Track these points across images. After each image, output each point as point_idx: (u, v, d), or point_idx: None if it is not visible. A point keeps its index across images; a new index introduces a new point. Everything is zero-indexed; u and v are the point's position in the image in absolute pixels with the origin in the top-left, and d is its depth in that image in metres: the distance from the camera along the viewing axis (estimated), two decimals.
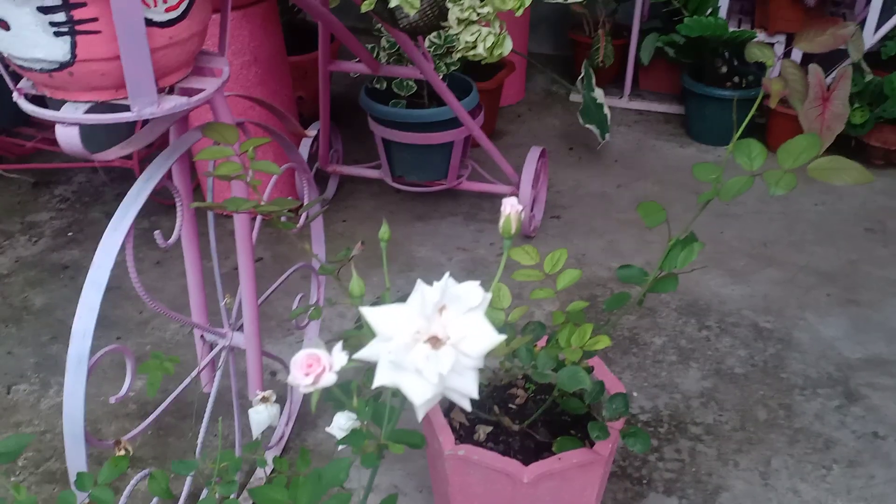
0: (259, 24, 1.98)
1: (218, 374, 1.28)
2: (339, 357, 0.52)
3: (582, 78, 2.44)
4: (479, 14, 1.01)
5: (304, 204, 1.44)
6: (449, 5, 1.01)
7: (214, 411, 1.46)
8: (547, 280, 1.04)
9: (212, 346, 1.29)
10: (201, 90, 0.93)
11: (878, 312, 1.86)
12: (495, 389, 1.20)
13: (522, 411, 1.22)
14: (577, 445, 1.08)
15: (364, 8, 0.98)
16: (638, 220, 2.26)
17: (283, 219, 0.99)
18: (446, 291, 0.48)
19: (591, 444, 1.09)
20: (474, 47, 1.03)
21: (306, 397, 1.56)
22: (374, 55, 1.98)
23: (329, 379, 0.52)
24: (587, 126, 2.43)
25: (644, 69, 2.91)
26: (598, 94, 2.49)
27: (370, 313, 0.48)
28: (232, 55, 1.96)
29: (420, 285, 0.48)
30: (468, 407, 0.48)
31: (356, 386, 0.61)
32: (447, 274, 0.49)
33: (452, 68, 2.07)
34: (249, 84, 2.01)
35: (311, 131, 2.06)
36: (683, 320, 1.84)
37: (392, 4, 0.96)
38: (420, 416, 0.48)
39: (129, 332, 1.80)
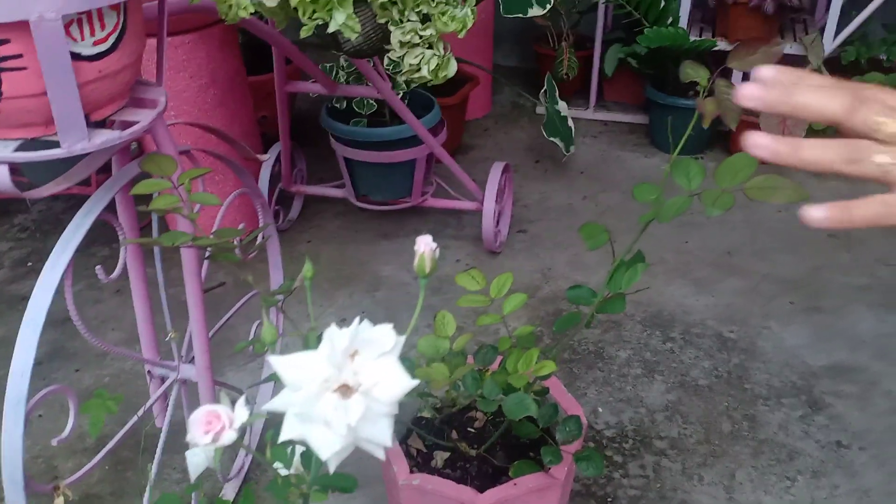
0: (216, 46, 1.97)
1: (170, 407, 1.26)
2: (240, 412, 0.51)
3: (545, 91, 2.44)
4: (421, 37, 1.00)
5: (260, 228, 1.43)
6: (391, 28, 1.01)
7: (176, 443, 1.43)
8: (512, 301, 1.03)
9: (163, 380, 1.26)
10: (136, 122, 0.91)
11: (840, 319, 1.87)
12: (453, 415, 1.19)
13: (481, 435, 1.21)
14: (534, 469, 1.07)
15: (303, 34, 0.97)
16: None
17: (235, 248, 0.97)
18: (357, 336, 0.47)
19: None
20: (418, 70, 1.03)
21: (269, 422, 1.53)
22: (333, 75, 1.97)
23: (229, 437, 0.50)
24: (551, 139, 2.43)
25: (608, 80, 2.92)
26: (562, 106, 2.50)
27: (277, 362, 0.46)
28: (189, 77, 1.94)
29: (330, 331, 0.46)
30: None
31: (271, 436, 0.59)
32: (358, 318, 0.48)
33: (413, 85, 2.07)
34: (208, 106, 2.00)
35: (266, 156, 2.04)
36: (648, 332, 1.84)
37: (331, 30, 0.95)
38: (331, 468, 0.46)
39: (88, 363, 1.77)
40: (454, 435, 1.20)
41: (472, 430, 1.22)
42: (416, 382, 0.46)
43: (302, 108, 2.96)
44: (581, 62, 2.89)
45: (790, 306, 1.92)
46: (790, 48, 2.59)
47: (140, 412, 1.19)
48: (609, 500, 1.43)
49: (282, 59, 1.88)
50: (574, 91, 3.06)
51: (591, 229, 0.86)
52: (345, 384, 0.46)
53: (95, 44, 0.83)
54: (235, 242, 1.17)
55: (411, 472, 1.12)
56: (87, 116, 0.87)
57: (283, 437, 0.45)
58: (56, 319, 1.92)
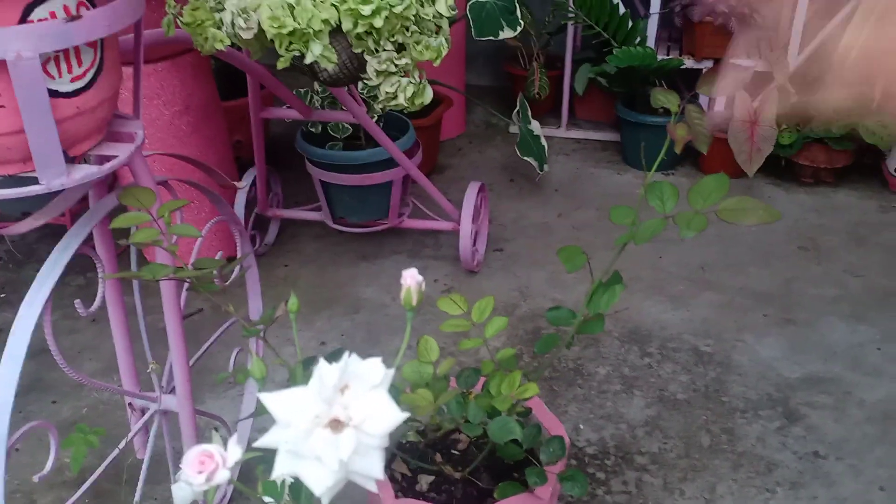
0: (189, 73, 1.97)
1: (151, 438, 1.25)
2: (233, 451, 0.51)
3: (517, 111, 2.47)
4: (396, 66, 1.01)
5: (238, 257, 1.43)
6: (367, 58, 1.02)
7: (158, 474, 1.42)
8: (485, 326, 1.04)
9: (143, 411, 1.26)
10: (115, 157, 0.91)
11: (813, 331, 1.91)
12: (437, 438, 1.19)
13: (466, 457, 1.21)
14: (519, 490, 1.08)
15: (280, 65, 0.98)
16: None
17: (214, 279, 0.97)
18: (346, 370, 0.48)
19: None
20: (395, 97, 1.04)
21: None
22: (308, 99, 1.98)
23: (223, 476, 0.51)
24: (525, 158, 2.46)
25: (579, 99, 2.96)
26: (535, 126, 2.52)
27: (267, 399, 0.47)
28: (163, 105, 1.94)
29: (319, 367, 0.47)
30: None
31: (261, 470, 0.60)
32: (346, 353, 0.49)
33: (394, 109, 2.08)
34: (182, 134, 1.99)
35: (242, 183, 2.04)
36: (626, 348, 1.86)
37: (308, 61, 0.96)
38: (325, 503, 0.47)
39: (65, 395, 1.75)
40: (438, 458, 1.20)
41: (457, 453, 1.23)
42: (405, 415, 0.47)
43: (276, 132, 2.97)
44: (552, 82, 2.93)
45: (764, 319, 1.95)
46: (756, 65, 2.65)
47: (121, 445, 1.18)
48: None
49: (256, 86, 1.88)
50: (546, 110, 3.09)
51: (570, 252, 0.88)
52: (335, 419, 0.47)
53: (73, 80, 0.83)
54: (214, 271, 1.17)
55: (396, 497, 1.12)
56: (65, 152, 0.87)
57: (275, 474, 0.45)
58: (33, 350, 1.90)
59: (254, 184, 2.16)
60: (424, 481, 1.17)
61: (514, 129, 3.04)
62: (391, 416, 0.47)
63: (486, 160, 2.85)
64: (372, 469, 0.47)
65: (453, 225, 2.11)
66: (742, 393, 1.71)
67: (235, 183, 1.36)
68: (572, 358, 1.83)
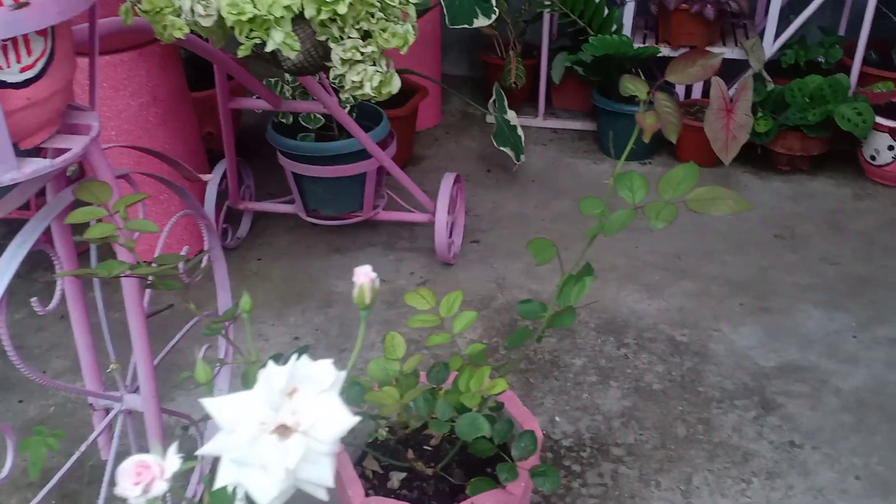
0: (157, 63, 1.93)
1: (115, 438, 1.22)
2: (171, 461, 0.49)
3: (493, 101, 2.45)
4: (363, 53, 0.99)
5: (203, 251, 1.40)
6: (332, 45, 0.99)
7: None
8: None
9: (108, 411, 1.23)
10: (69, 150, 0.88)
11: (789, 318, 1.90)
12: (408, 434, 1.17)
13: (438, 452, 1.19)
14: (491, 486, 1.06)
15: (241, 53, 0.95)
16: (555, 240, 2.27)
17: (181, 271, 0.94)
18: (296, 374, 0.46)
19: None
20: (361, 87, 1.01)
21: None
22: (279, 89, 1.95)
23: (160, 487, 0.48)
24: (502, 149, 2.44)
25: (556, 88, 2.94)
26: (511, 115, 2.50)
27: (211, 405, 0.45)
28: (129, 96, 1.90)
29: (267, 371, 0.45)
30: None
31: (207, 480, 0.57)
32: (295, 355, 0.46)
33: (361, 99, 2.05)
34: (150, 125, 1.95)
35: (208, 176, 2.00)
36: (602, 339, 1.85)
37: (269, 49, 0.93)
38: None
39: (32, 393, 1.71)
40: (410, 454, 1.18)
41: (429, 449, 1.21)
42: (356, 419, 0.45)
43: (248, 123, 2.92)
44: (529, 70, 2.91)
45: (740, 307, 1.95)
46: (731, 53, 2.64)
47: (82, 447, 1.15)
48: None
49: (224, 76, 1.84)
50: (524, 99, 3.07)
51: (539, 245, 0.86)
52: (283, 425, 0.44)
53: (22, 70, 0.80)
54: (180, 266, 1.14)
55: (367, 495, 1.10)
56: (16, 145, 0.84)
57: (218, 484, 0.43)
58: None
59: (225, 176, 2.13)
60: (396, 478, 1.15)
61: (491, 118, 3.01)
62: (342, 420, 0.45)
63: (463, 150, 2.82)
64: (322, 477, 0.45)
65: (429, 217, 2.08)
66: (718, 383, 1.71)
67: (201, 176, 1.33)
68: (549, 350, 1.82)
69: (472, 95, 3.27)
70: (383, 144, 2.04)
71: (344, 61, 0.98)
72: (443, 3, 2.07)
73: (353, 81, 1.00)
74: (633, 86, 0.79)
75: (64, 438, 1.61)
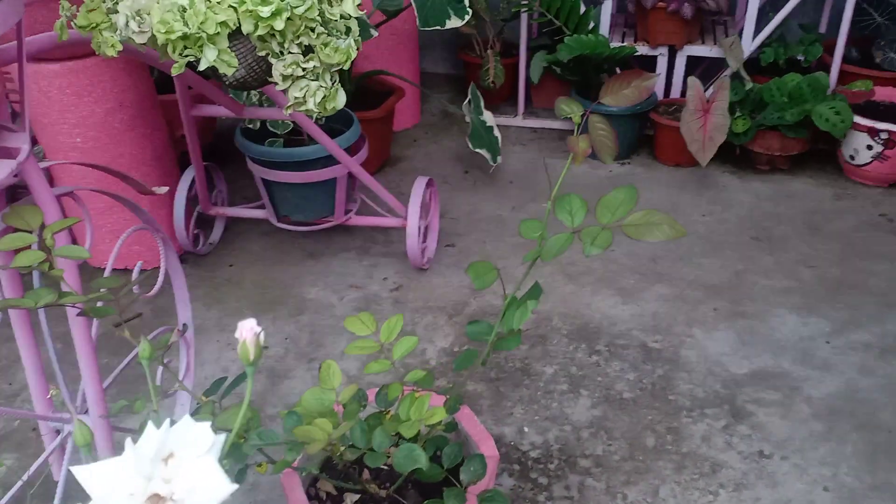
0: (122, 69, 1.90)
1: (66, 458, 1.20)
2: None
3: (469, 101, 2.42)
4: (304, 69, 0.96)
5: (160, 265, 1.37)
6: (272, 61, 0.96)
7: (78, 493, 1.37)
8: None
9: (58, 431, 1.20)
10: None
11: (763, 324, 1.88)
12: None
13: (394, 472, 1.17)
14: None
15: (175, 71, 0.92)
16: (530, 245, 2.25)
17: (100, 303, 0.92)
18: (171, 438, 0.43)
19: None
20: (304, 102, 0.99)
21: None
22: (245, 95, 1.92)
23: None
24: (477, 150, 2.41)
25: (536, 87, 2.92)
26: (488, 116, 2.48)
27: (80, 473, 0.42)
28: (94, 102, 1.87)
29: (133, 443, 0.43)
30: None
31: None
32: (167, 421, 0.44)
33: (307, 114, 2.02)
34: (116, 131, 1.92)
35: (163, 189, 1.98)
36: (574, 346, 1.83)
37: (202, 67, 0.90)
38: None
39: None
40: (366, 475, 1.16)
41: (385, 468, 1.19)
42: (234, 487, 0.43)
43: (225, 125, 2.89)
44: (508, 69, 2.88)
45: (714, 313, 1.93)
46: (710, 51, 2.61)
47: (31, 469, 1.13)
48: None
49: (183, 84, 1.82)
50: (504, 98, 3.04)
51: (479, 268, 0.84)
52: (155, 494, 0.42)
53: None
54: (134, 279, 1.12)
55: None
56: None
57: None
58: None
59: (195, 182, 2.10)
60: (350, 500, 1.13)
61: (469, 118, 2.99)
62: (219, 488, 0.43)
63: (442, 151, 2.80)
64: None
65: (401, 221, 2.06)
66: (689, 391, 1.69)
67: (155, 189, 1.30)
68: (520, 357, 1.80)
69: (454, 94, 3.24)
70: (355, 148, 2.02)
71: (285, 77, 0.96)
72: (413, 5, 2.04)
73: (296, 97, 0.98)
74: (567, 107, 0.76)
75: (29, 452, 1.59)
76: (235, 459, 0.82)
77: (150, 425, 0.44)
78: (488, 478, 1.03)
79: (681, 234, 0.71)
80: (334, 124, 2.07)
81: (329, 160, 1.95)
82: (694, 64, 2.71)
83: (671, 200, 2.41)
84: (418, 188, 2.04)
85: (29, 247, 0.85)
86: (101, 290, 0.89)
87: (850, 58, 2.69)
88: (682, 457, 1.53)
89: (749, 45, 2.60)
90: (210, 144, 2.72)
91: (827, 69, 2.55)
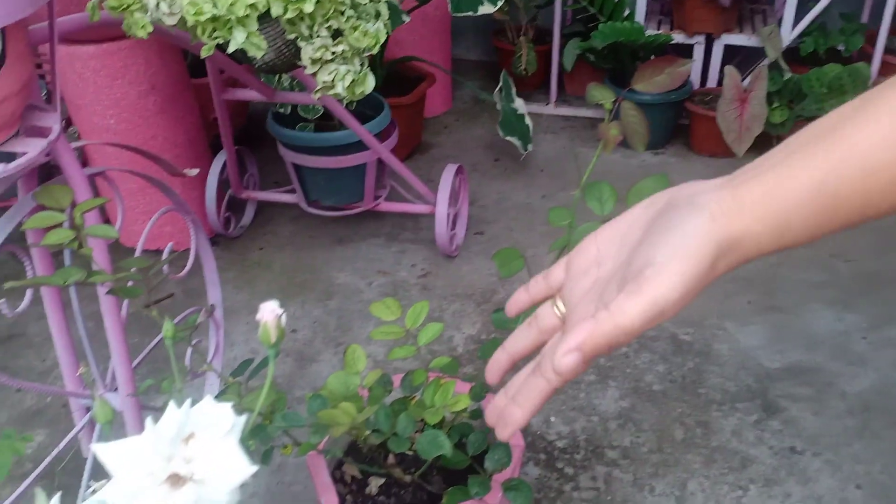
0: (155, 51, 1.91)
1: (96, 435, 1.21)
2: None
3: (500, 88, 2.40)
4: (333, 53, 0.95)
5: (193, 247, 1.38)
6: (301, 44, 0.96)
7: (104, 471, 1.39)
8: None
9: (88, 409, 1.22)
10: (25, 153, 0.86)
11: (797, 318, 1.85)
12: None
13: (419, 457, 1.17)
14: (468, 496, 1.04)
15: (204, 53, 0.92)
16: (559, 233, 2.22)
17: (130, 283, 0.93)
18: (193, 417, 0.43)
19: None
20: (332, 86, 0.98)
21: None
22: (277, 80, 1.92)
23: None
24: (508, 138, 2.39)
25: (569, 75, 2.88)
26: (519, 104, 2.45)
27: (100, 451, 0.42)
28: (127, 84, 1.88)
29: (154, 422, 0.42)
30: None
31: None
32: (188, 402, 0.44)
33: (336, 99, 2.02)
34: (148, 114, 1.94)
35: (194, 171, 2.00)
36: None
37: (230, 49, 0.90)
38: None
39: (30, 382, 1.71)
40: (391, 460, 1.16)
41: (410, 454, 1.19)
42: (254, 469, 0.42)
43: (258, 109, 2.90)
44: (541, 57, 2.85)
45: (747, 305, 1.89)
46: (748, 40, 2.56)
47: (61, 444, 1.15)
48: None
49: (214, 67, 1.82)
50: (536, 86, 3.01)
51: (505, 255, 0.82)
52: (175, 474, 0.42)
53: None
54: (164, 259, 1.12)
55: (344, 501, 1.09)
56: None
57: None
58: (0, 337, 1.87)
59: (224, 167, 2.11)
60: (374, 484, 1.13)
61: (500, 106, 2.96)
62: (240, 469, 0.42)
63: (472, 138, 2.78)
64: None
65: (430, 208, 2.05)
66: (720, 384, 1.66)
67: (186, 171, 1.31)
68: None
69: (486, 81, 3.22)
70: (385, 134, 2.01)
71: (314, 61, 0.95)
72: None
73: (324, 81, 0.97)
74: (599, 94, 0.75)
75: (59, 428, 1.62)
76: (261, 441, 0.82)
77: (171, 405, 0.44)
78: (513, 466, 1.02)
79: None
80: (365, 109, 2.07)
81: (359, 146, 1.95)
82: (731, 53, 2.66)
83: None
84: (448, 175, 2.03)
85: (59, 225, 0.86)
86: (131, 269, 0.90)
87: (893, 48, 2.61)
88: (711, 451, 1.51)
89: (788, 34, 2.54)
90: (242, 128, 2.73)
91: (868, 60, 2.49)
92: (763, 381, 1.67)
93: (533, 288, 0.56)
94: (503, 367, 0.57)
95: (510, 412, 0.49)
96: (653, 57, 2.60)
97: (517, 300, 0.58)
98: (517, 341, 0.57)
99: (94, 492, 0.72)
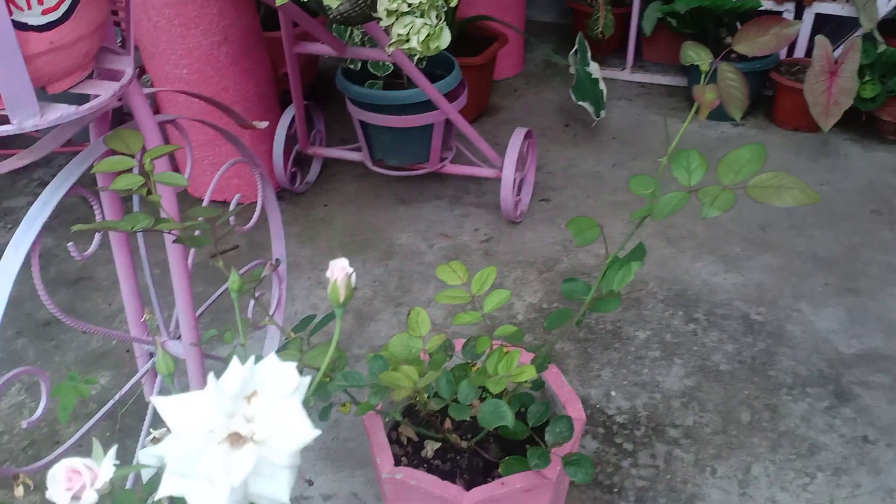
0: (229, 2, 1.90)
1: (158, 383, 1.23)
2: (106, 468, 0.45)
3: (575, 51, 2.32)
4: (409, 5, 0.92)
5: (259, 200, 1.37)
6: None
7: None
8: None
9: (151, 354, 1.23)
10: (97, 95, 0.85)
11: (876, 302, 1.76)
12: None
13: (477, 424, 1.15)
14: (526, 467, 1.01)
15: (279, 2, 0.89)
16: (630, 203, 2.16)
17: (197, 232, 0.92)
18: (254, 376, 0.41)
19: None
20: (407, 40, 0.94)
21: None
22: (348, 35, 1.89)
23: (90, 497, 0.45)
24: (580, 103, 2.32)
25: (647, 40, 2.78)
26: (594, 68, 2.38)
27: (161, 405, 0.41)
28: (200, 35, 1.88)
29: (217, 378, 0.40)
30: None
31: (148, 490, 0.54)
32: (252, 359, 0.42)
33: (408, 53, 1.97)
34: (221, 65, 1.94)
35: (263, 123, 1.99)
36: (670, 312, 1.75)
37: None
38: None
39: (96, 325, 1.75)
40: (448, 424, 1.14)
41: (468, 420, 1.17)
42: (316, 433, 0.40)
43: (328, 65, 2.88)
44: (619, 20, 2.75)
45: (824, 287, 1.81)
46: (842, 9, 2.42)
47: (124, 389, 1.16)
48: (615, 490, 1.37)
49: (288, 20, 1.80)
50: (612, 50, 2.92)
51: (581, 224, 0.79)
52: (235, 433, 0.40)
53: (44, 13, 0.76)
54: (231, 210, 1.12)
55: (399, 462, 1.07)
56: (44, 90, 0.82)
57: (159, 495, 0.39)
58: (69, 279, 1.91)
59: (294, 120, 2.10)
60: (430, 447, 1.12)
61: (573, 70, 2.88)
62: (302, 432, 0.40)
63: (542, 102, 2.71)
64: (277, 493, 0.40)
65: (496, 172, 2.01)
66: (791, 367, 1.60)
67: (256, 123, 1.29)
68: (611, 320, 1.74)
69: (559, 44, 3.13)
70: (453, 95, 1.97)
71: (390, 13, 0.92)
72: None
73: (399, 34, 0.94)
74: (695, 54, 0.70)
75: (123, 372, 1.65)
76: (320, 397, 0.81)
77: (234, 361, 0.42)
78: (574, 440, 0.99)
79: (814, 199, 0.64)
80: (434, 69, 2.02)
81: (427, 105, 1.91)
82: (822, 22, 2.52)
83: (785, 166, 2.27)
84: (516, 139, 1.98)
85: (129, 171, 0.85)
86: (198, 219, 0.89)
87: None
88: (778, 435, 1.45)
89: (885, 4, 2.39)
90: (312, 84, 2.72)
91: None
92: (837, 366, 1.60)
93: None
94: None
95: None
96: (739, 25, 2.48)
97: None
98: None
99: (154, 439, 0.72)
